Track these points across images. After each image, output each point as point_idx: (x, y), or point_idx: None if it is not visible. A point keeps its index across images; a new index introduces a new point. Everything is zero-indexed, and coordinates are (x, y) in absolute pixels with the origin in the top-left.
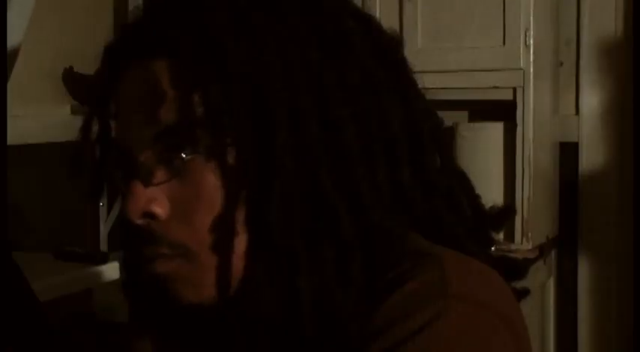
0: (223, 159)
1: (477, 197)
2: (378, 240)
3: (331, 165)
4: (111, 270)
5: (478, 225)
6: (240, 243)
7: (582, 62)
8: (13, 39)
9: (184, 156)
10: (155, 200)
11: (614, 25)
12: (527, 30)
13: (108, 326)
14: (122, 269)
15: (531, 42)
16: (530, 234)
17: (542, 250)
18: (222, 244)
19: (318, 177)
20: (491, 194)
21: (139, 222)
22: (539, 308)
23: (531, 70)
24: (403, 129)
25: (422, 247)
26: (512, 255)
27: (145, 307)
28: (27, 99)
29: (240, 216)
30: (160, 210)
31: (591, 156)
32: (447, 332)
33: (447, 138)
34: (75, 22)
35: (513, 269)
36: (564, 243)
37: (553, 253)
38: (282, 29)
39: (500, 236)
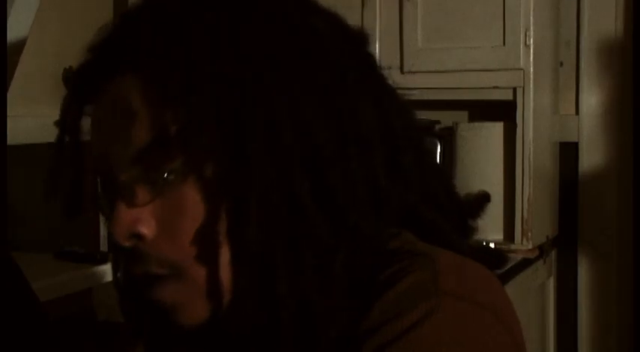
0: (200, 173)
1: (453, 187)
2: (356, 242)
3: (305, 170)
4: (111, 270)
5: (455, 214)
6: (224, 254)
7: (582, 62)
8: (15, 39)
9: (165, 174)
10: (140, 220)
11: (614, 25)
12: (527, 30)
13: (108, 326)
14: (116, 287)
15: (531, 42)
16: (530, 234)
17: (542, 250)
18: (207, 257)
19: (292, 183)
20: (491, 194)
21: (127, 244)
22: (539, 308)
23: (531, 70)
24: (377, 129)
25: (416, 247)
26: (507, 249)
27: (142, 324)
28: (27, 99)
29: (223, 228)
30: (146, 230)
31: (591, 156)
32: (439, 330)
33: (421, 134)
34: (75, 22)
35: (494, 258)
36: (564, 243)
37: (553, 253)
38: (250, 38)
39: (500, 236)
